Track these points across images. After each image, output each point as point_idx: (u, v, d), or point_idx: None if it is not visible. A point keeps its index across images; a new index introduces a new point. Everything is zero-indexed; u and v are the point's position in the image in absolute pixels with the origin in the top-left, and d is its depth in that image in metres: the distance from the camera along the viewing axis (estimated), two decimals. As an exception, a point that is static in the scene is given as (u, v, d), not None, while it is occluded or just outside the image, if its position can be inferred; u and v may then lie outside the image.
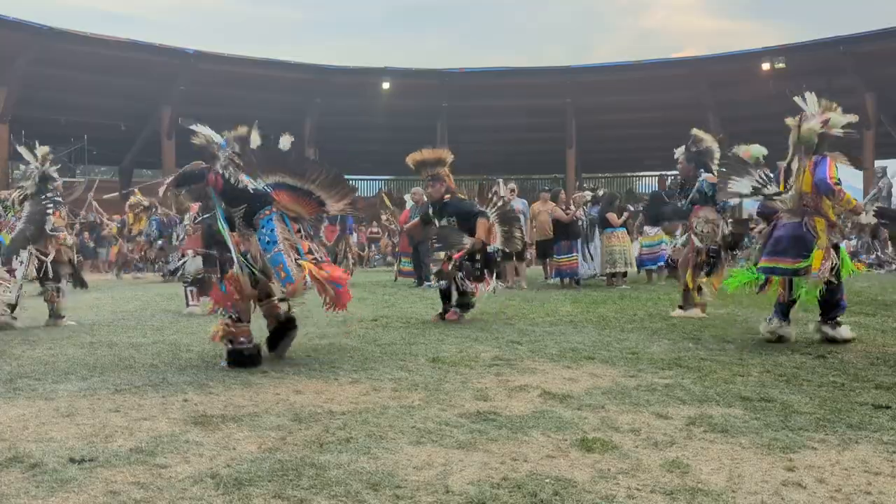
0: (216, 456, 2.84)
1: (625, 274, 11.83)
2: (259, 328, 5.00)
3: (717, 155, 7.26)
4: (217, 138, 4.89)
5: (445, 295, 7.18)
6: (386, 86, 24.06)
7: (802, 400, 3.69)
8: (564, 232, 11.60)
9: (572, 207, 12.01)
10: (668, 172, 28.45)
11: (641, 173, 29.87)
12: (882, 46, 20.28)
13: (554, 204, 11.91)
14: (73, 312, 7.55)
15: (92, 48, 20.48)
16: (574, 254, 11.61)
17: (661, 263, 12.03)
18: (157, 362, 4.85)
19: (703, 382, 4.12)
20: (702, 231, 7.11)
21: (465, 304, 7.11)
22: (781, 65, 21.57)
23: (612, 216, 11.72)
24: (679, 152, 7.61)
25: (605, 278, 11.94)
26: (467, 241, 6.97)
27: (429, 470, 2.68)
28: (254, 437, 3.11)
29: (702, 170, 7.34)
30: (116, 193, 22.80)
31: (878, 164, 20.71)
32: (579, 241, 11.75)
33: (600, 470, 2.68)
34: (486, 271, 7.06)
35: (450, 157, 7.26)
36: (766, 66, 22.02)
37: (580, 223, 11.88)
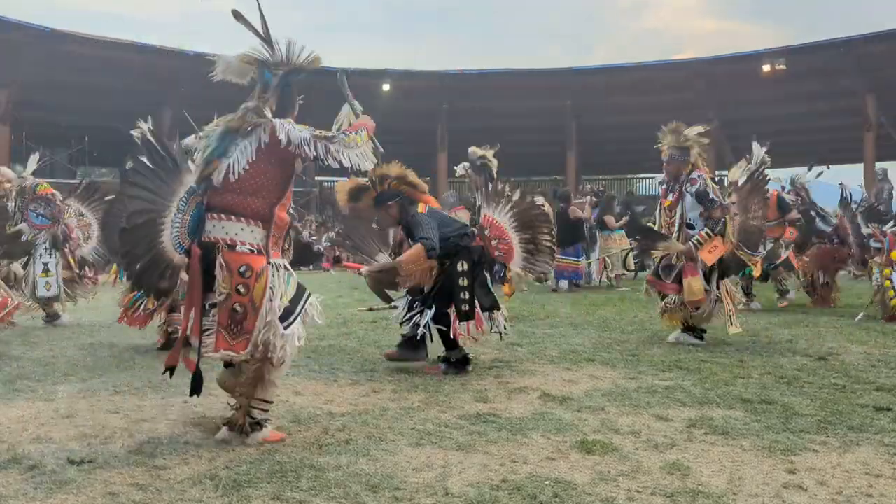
0: (215, 457, 2.84)
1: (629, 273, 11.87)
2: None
3: (495, 168, 7.88)
4: None
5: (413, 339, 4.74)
6: (386, 87, 24.04)
7: (803, 402, 3.68)
8: (573, 234, 11.53)
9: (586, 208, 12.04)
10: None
11: (642, 175, 29.83)
12: (882, 48, 20.25)
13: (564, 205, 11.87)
14: (74, 313, 7.55)
15: (92, 50, 20.46)
16: (580, 257, 11.56)
17: None
18: (157, 364, 4.81)
19: (703, 384, 4.12)
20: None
21: (453, 359, 4.64)
22: (782, 66, 21.54)
23: (609, 219, 11.70)
24: (462, 167, 8.06)
25: (608, 281, 11.90)
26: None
27: (428, 472, 2.68)
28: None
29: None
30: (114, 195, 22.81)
31: (879, 165, 20.74)
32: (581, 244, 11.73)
33: (600, 472, 2.67)
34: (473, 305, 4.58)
35: (401, 171, 4.82)
36: (766, 68, 21.99)
37: (585, 225, 11.86)
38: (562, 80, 24.88)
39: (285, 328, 2.97)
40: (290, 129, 2.97)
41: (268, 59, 3.08)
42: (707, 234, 5.39)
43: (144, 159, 3.02)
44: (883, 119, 21.47)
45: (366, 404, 3.71)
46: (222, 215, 2.99)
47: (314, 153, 2.98)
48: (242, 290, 2.92)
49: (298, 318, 3.05)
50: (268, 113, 3.06)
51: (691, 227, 5.50)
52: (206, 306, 3.00)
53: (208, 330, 2.99)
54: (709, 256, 5.38)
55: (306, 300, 3.11)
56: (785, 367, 4.63)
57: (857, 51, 20.69)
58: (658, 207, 5.87)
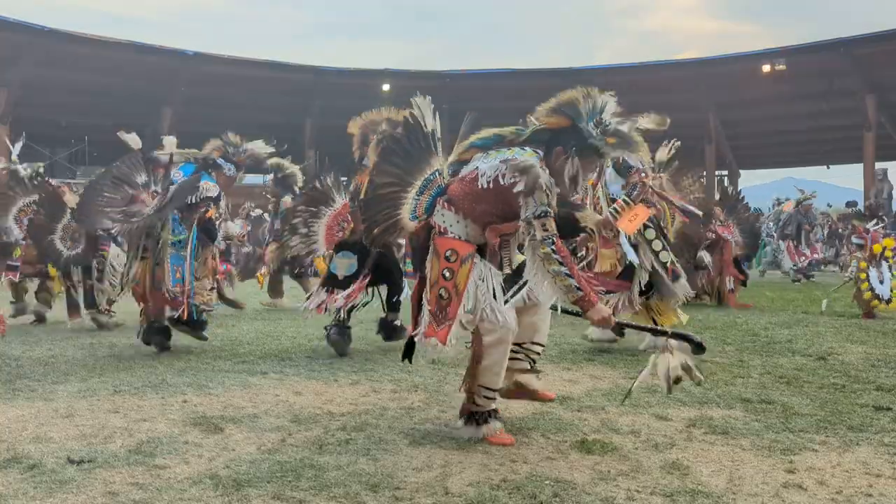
0: (215, 457, 2.83)
1: None
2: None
3: (300, 180, 8.10)
4: None
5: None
6: (386, 87, 24.05)
7: (803, 402, 3.68)
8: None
9: None
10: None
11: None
12: (882, 48, 20.26)
13: None
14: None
15: (92, 49, 20.47)
16: None
17: None
18: (157, 363, 4.84)
19: (703, 384, 4.11)
20: None
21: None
22: (782, 66, 21.55)
23: None
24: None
25: None
26: None
27: (428, 471, 2.68)
28: (253, 438, 3.10)
29: (288, 193, 8.15)
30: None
31: (879, 166, 20.75)
32: None
33: (600, 471, 2.67)
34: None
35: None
36: (766, 68, 22.00)
37: None
38: (562, 81, 24.78)
39: (490, 312, 2.96)
40: (532, 200, 2.85)
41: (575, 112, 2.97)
42: (625, 201, 5.14)
43: (402, 138, 3.15)
44: (883, 119, 21.48)
45: (366, 404, 3.71)
46: (446, 204, 3.08)
47: (526, 234, 2.89)
48: (447, 274, 2.96)
49: (508, 304, 3.03)
50: (530, 158, 2.95)
51: (614, 201, 5.31)
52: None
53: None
54: (629, 226, 5.11)
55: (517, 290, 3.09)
56: (784, 366, 4.63)
57: (857, 51, 20.69)
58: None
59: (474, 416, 3.09)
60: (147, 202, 5.26)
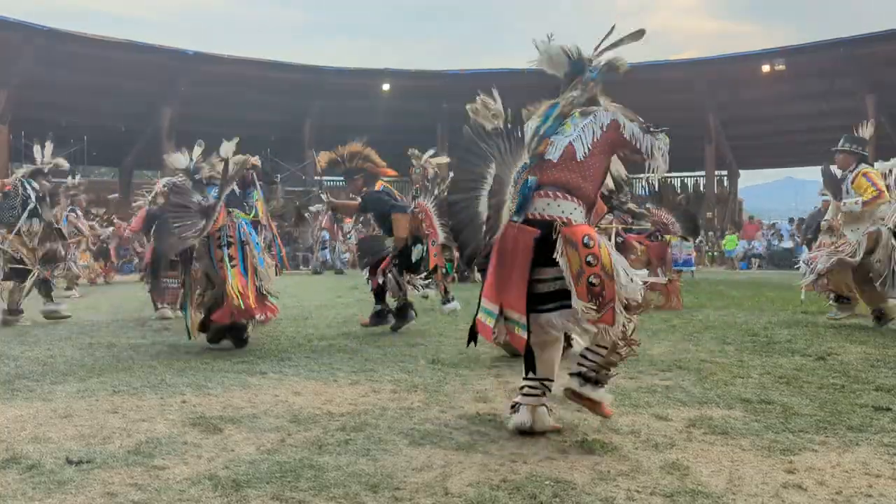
0: (214, 458, 2.83)
1: None
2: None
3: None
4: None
5: (378, 296, 6.50)
6: (386, 87, 24.06)
7: (803, 402, 3.68)
8: None
9: None
10: (668, 174, 28.52)
11: (641, 175, 29.83)
12: (882, 48, 20.25)
13: None
14: (72, 313, 7.57)
15: (92, 49, 20.46)
16: None
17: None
18: (156, 364, 4.84)
19: (702, 384, 4.11)
20: None
21: (401, 315, 6.45)
22: (782, 66, 21.55)
23: None
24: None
25: None
26: (389, 246, 6.36)
27: (428, 472, 2.67)
28: (252, 438, 3.10)
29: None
30: (117, 194, 22.83)
31: (878, 165, 20.72)
32: None
33: (600, 472, 2.67)
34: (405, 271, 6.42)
35: (367, 151, 6.37)
36: (766, 68, 22.00)
37: None
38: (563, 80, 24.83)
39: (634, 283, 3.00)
40: (629, 123, 3.08)
41: (589, 55, 3.23)
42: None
43: (491, 127, 3.15)
44: (883, 119, 21.46)
45: (366, 404, 3.71)
46: (559, 193, 3.05)
47: (642, 148, 3.03)
48: (592, 260, 2.94)
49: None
50: (603, 102, 3.16)
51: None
52: (534, 283, 3.03)
53: (548, 307, 3.03)
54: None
55: None
56: (784, 366, 4.62)
57: (857, 51, 20.68)
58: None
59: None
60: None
